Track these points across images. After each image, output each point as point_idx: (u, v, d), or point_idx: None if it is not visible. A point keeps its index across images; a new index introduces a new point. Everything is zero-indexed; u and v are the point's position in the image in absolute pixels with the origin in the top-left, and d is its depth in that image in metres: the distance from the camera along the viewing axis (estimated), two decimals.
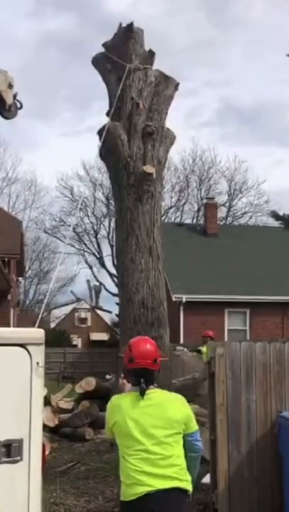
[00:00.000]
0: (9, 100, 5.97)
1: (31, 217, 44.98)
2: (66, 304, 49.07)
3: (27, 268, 42.40)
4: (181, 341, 21.55)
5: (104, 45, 11.94)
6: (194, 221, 42.51)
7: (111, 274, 42.18)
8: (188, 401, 9.05)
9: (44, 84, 68.29)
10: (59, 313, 47.91)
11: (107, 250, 43.09)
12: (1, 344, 3.09)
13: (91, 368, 25.17)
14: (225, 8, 65.35)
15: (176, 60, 59.68)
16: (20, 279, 31.19)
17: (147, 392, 3.36)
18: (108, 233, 43.40)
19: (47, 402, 9.92)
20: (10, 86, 5.99)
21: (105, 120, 11.31)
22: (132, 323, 11.07)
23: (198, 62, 68.47)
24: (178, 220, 42.89)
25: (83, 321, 47.45)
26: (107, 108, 11.84)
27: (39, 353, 3.22)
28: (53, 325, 46.26)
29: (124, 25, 11.74)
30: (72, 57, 71.29)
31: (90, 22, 66.76)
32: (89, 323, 47.46)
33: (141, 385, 3.35)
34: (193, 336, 20.21)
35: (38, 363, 3.17)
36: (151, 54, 11.80)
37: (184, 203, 44.92)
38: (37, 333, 3.28)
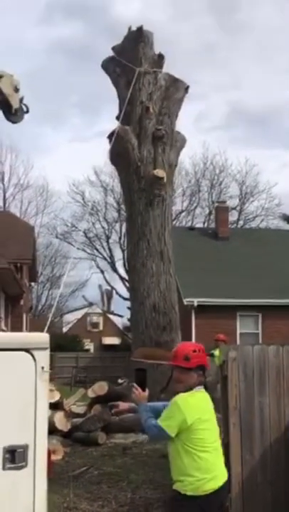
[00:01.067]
0: (15, 104, 5.89)
1: (43, 222, 45.12)
2: (78, 309, 49.14)
3: (39, 273, 42.49)
4: None
5: (113, 49, 11.86)
6: (205, 225, 42.40)
7: (123, 279, 42.16)
8: None
9: (54, 90, 68.71)
10: (71, 317, 48.01)
11: (118, 255, 43.09)
12: (5, 349, 3.05)
13: (103, 372, 25.15)
14: (233, 12, 65.57)
15: (185, 64, 59.79)
16: (33, 284, 31.31)
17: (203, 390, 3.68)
18: (120, 238, 43.39)
19: (60, 406, 9.93)
20: (16, 90, 5.89)
21: (115, 124, 11.29)
22: (144, 327, 11.04)
23: (206, 66, 68.54)
24: (189, 224, 42.82)
25: (95, 325, 47.52)
26: (117, 113, 11.81)
27: (44, 358, 3.17)
28: (65, 330, 46.36)
29: (133, 28, 11.65)
30: (81, 64, 71.69)
31: (99, 28, 67.11)
32: (101, 327, 47.52)
33: (204, 383, 3.71)
34: (205, 339, 20.12)
35: (42, 368, 3.12)
36: (160, 57, 11.73)
37: (195, 207, 44.88)
38: (42, 337, 3.24)
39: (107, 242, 43.80)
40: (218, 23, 65.06)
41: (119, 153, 11.42)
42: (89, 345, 42.93)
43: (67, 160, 68.47)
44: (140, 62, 11.48)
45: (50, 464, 3.28)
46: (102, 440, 9.50)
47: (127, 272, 41.71)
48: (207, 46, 64.90)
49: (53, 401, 9.82)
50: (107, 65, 12.11)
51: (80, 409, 10.86)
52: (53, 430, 9.49)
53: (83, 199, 43.60)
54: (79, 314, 48.58)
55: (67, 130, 70.14)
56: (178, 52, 55.71)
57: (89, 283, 51.98)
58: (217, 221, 29.96)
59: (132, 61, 11.44)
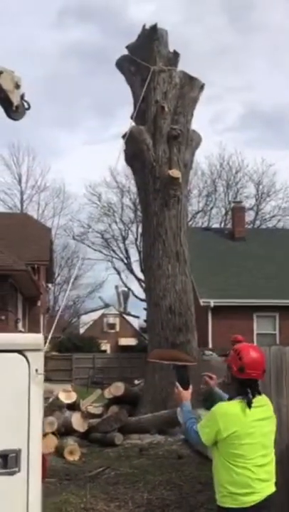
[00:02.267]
0: (16, 101, 5.78)
1: (60, 224, 45.32)
2: (95, 310, 49.23)
3: (56, 275, 42.65)
4: (210, 346, 21.44)
5: (128, 47, 11.79)
6: (222, 225, 42.27)
7: (139, 280, 42.17)
8: None
9: (69, 94, 68.93)
10: (88, 319, 48.13)
11: (134, 256, 43.10)
12: None
13: (120, 373, 25.16)
14: (247, 13, 65.25)
15: (199, 65, 59.59)
16: (50, 285, 31.49)
17: (255, 401, 3.34)
18: (136, 239, 43.44)
19: (76, 407, 9.96)
20: (17, 86, 5.76)
21: (130, 124, 11.23)
22: (160, 329, 11.02)
23: (221, 68, 68.28)
24: (205, 224, 42.73)
25: (112, 326, 47.56)
26: (132, 112, 11.74)
27: (38, 360, 3.05)
28: (82, 331, 46.48)
29: (147, 27, 11.53)
30: (95, 67, 71.81)
31: (113, 31, 67.20)
32: (117, 328, 47.55)
33: (248, 395, 3.32)
34: (221, 340, 20.07)
35: (36, 370, 3.01)
36: (175, 55, 11.61)
37: (212, 208, 44.76)
38: (35, 338, 3.14)
39: (124, 243, 43.86)
40: (232, 24, 64.89)
41: (134, 153, 11.34)
42: (105, 346, 42.97)
43: (83, 162, 68.73)
44: (155, 61, 11.36)
45: (45, 469, 3.15)
46: (119, 441, 9.51)
47: (143, 272, 41.67)
48: (221, 47, 64.76)
49: (70, 402, 9.88)
50: (122, 64, 12.01)
51: (96, 410, 10.88)
52: (70, 431, 9.55)
53: (99, 200, 43.72)
54: (95, 315, 48.68)
55: (83, 132, 70.37)
56: (192, 54, 55.62)
57: (105, 284, 52.12)
58: (233, 221, 29.85)
59: (147, 59, 11.34)
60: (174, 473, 7.62)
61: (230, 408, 3.34)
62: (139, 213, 42.78)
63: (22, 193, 45.45)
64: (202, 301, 22.44)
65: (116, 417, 9.97)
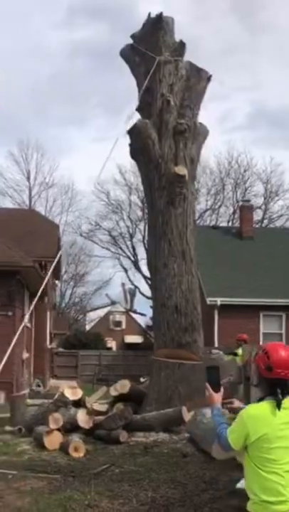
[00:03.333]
0: None
1: (68, 221, 45.42)
2: (101, 307, 49.31)
3: (63, 271, 42.70)
4: (216, 344, 21.41)
5: (132, 36, 11.43)
6: (230, 224, 42.22)
7: (146, 278, 42.17)
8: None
9: (77, 92, 69.03)
10: (94, 316, 48.20)
11: (142, 254, 43.15)
12: None
13: (126, 371, 25.20)
14: (255, 12, 65.08)
15: (207, 64, 59.43)
16: (57, 282, 31.52)
17: (285, 402, 3.19)
18: (143, 237, 43.41)
19: (82, 404, 9.97)
20: None
21: (135, 118, 10.96)
22: (166, 329, 10.96)
23: (229, 67, 68.18)
24: (213, 223, 42.69)
25: (118, 323, 47.59)
26: (137, 105, 11.43)
27: None
28: (88, 327, 46.56)
29: (153, 15, 11.17)
30: (103, 65, 71.87)
31: (121, 30, 67.19)
32: (123, 326, 47.58)
33: (278, 396, 3.17)
34: (227, 339, 20.04)
35: None
36: (181, 45, 11.23)
37: (220, 206, 44.73)
38: None
39: (131, 240, 43.93)
40: (241, 23, 64.73)
41: (140, 148, 11.09)
42: (111, 344, 43.03)
43: (91, 159, 68.76)
44: (160, 51, 10.89)
45: None
46: (124, 438, 9.51)
47: (149, 271, 41.57)
48: (229, 47, 64.64)
49: (75, 399, 9.90)
50: (127, 54, 11.62)
51: (102, 407, 10.88)
52: (75, 428, 9.57)
53: (108, 198, 43.76)
54: (102, 312, 48.74)
55: (91, 130, 70.47)
56: (200, 53, 55.58)
57: (112, 281, 52.16)
58: (241, 220, 29.77)
59: (152, 49, 10.92)
60: (179, 471, 7.62)
61: (258, 410, 3.22)
62: (146, 211, 42.75)
63: (30, 190, 45.61)
64: (209, 300, 22.42)
65: (121, 415, 9.96)
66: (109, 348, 40.80)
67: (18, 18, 68.99)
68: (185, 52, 11.15)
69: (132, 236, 43.85)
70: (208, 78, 11.22)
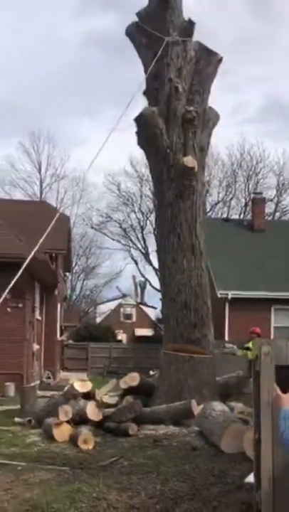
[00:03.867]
0: None
1: (79, 212, 45.45)
2: (112, 300, 49.40)
3: (74, 263, 42.79)
4: (226, 338, 21.37)
5: (138, 14, 10.62)
6: (241, 216, 42.06)
7: (156, 270, 42.04)
8: (233, 399, 8.91)
9: (90, 82, 68.90)
10: (105, 308, 48.29)
11: (152, 246, 43.07)
12: None
13: (136, 364, 25.25)
14: (269, 2, 64.39)
15: (226, 54, 58.92)
16: (68, 274, 31.64)
17: None
18: (154, 229, 43.28)
19: (92, 396, 9.96)
20: None
21: (142, 103, 10.47)
22: (175, 324, 10.85)
23: (242, 58, 67.71)
24: (225, 215, 42.56)
25: (128, 316, 47.70)
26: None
27: None
28: (98, 320, 46.67)
29: None
30: (117, 55, 71.58)
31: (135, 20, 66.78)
32: (134, 318, 47.68)
33: None
34: (238, 333, 20.00)
35: None
36: (190, 24, 10.42)
37: (231, 198, 44.58)
38: None
39: (142, 233, 43.91)
40: (255, 13, 64.15)
41: (147, 138, 10.73)
42: (121, 336, 43.15)
43: (103, 151, 68.56)
44: (168, 32, 10.18)
45: None
46: (133, 431, 9.49)
47: (158, 266, 41.49)
48: (243, 37, 64.14)
49: (85, 391, 9.89)
50: (132, 33, 10.75)
51: (111, 399, 10.87)
52: (85, 420, 9.56)
53: (118, 190, 43.72)
54: (112, 305, 48.82)
55: (103, 121, 70.37)
56: (214, 43, 55.10)
57: (123, 274, 52.30)
58: (253, 213, 29.67)
59: (159, 30, 10.26)
60: (188, 464, 7.58)
61: None
62: (156, 203, 42.60)
63: (41, 181, 45.65)
64: (219, 293, 22.37)
65: (130, 407, 9.95)
66: (120, 341, 40.93)
67: (31, 9, 68.98)
68: (194, 31, 10.33)
69: (142, 228, 43.85)
70: (219, 60, 10.45)
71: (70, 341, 34.69)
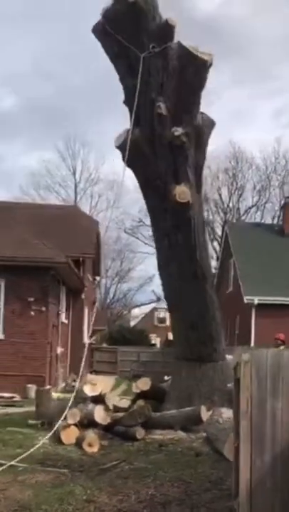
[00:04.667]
0: None
1: (112, 217, 45.73)
2: (146, 304, 49.52)
3: (108, 267, 43.10)
4: (252, 344, 21.21)
5: (104, 15, 8.18)
6: (275, 221, 41.66)
7: None
8: None
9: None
10: (138, 312, 48.48)
11: None
12: None
13: (163, 367, 25.20)
14: None
15: (265, 57, 58.64)
16: (97, 278, 31.87)
17: None
18: None
19: (101, 399, 10.09)
20: None
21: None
22: (184, 341, 10.98)
23: (286, 60, 66.98)
24: (259, 219, 42.33)
25: (162, 320, 47.71)
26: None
27: None
28: (132, 323, 46.86)
29: None
30: None
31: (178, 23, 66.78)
32: (167, 322, 47.61)
33: None
34: (264, 339, 19.81)
35: None
36: (169, 27, 8.29)
37: (266, 202, 44.24)
38: None
39: None
40: None
41: (134, 166, 9.27)
42: (155, 340, 43.19)
43: None
44: (142, 44, 8.13)
45: None
46: (141, 435, 9.58)
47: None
48: (286, 39, 63.47)
49: (94, 394, 10.02)
50: (100, 35, 8.50)
51: (124, 403, 10.99)
52: (93, 423, 9.69)
53: None
54: (146, 309, 48.94)
55: None
56: (257, 47, 54.79)
57: (156, 278, 52.29)
58: (284, 217, 29.37)
59: (130, 37, 8.13)
60: (187, 470, 7.62)
61: None
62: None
63: (76, 186, 46.16)
64: (246, 299, 22.24)
65: (140, 412, 10.04)
66: (153, 345, 40.96)
67: (70, 17, 69.87)
68: (174, 35, 8.29)
69: None
70: (208, 65, 8.29)
71: (104, 344, 34.96)
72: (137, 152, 8.62)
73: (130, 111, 8.43)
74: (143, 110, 8.15)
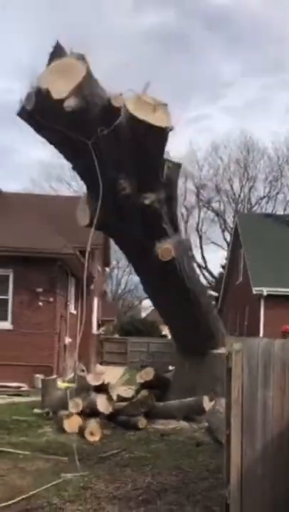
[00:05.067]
0: None
1: None
2: None
3: (120, 258, 43.15)
4: (261, 335, 21.19)
5: (22, 107, 6.37)
6: (287, 212, 41.54)
7: (200, 267, 42.12)
8: None
9: (144, 78, 68.92)
10: (149, 303, 48.55)
11: (195, 241, 43.07)
12: None
13: (171, 358, 25.27)
14: None
15: (280, 47, 58.07)
16: (107, 269, 31.98)
17: None
18: (197, 224, 43.43)
19: (104, 389, 10.18)
20: None
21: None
22: (183, 340, 11.17)
23: None
24: (270, 210, 42.21)
25: None
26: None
27: None
28: (143, 314, 46.97)
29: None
30: (172, 50, 71.45)
31: (191, 15, 66.60)
32: None
33: None
34: (273, 330, 19.77)
35: None
36: (115, 109, 6.64)
37: (277, 193, 44.07)
38: None
39: (185, 227, 43.83)
40: None
41: (108, 235, 10.01)
42: (166, 331, 43.30)
43: None
44: (86, 130, 6.58)
45: None
46: (143, 425, 9.66)
47: (203, 259, 41.48)
48: None
49: (97, 384, 10.11)
50: (32, 125, 6.72)
51: (128, 393, 11.08)
52: (96, 413, 9.79)
53: None
54: None
55: None
56: (271, 39, 54.22)
57: None
58: None
59: (72, 128, 6.50)
60: (186, 459, 7.70)
61: None
62: (201, 197, 42.59)
63: None
64: (255, 290, 22.21)
65: (143, 401, 10.13)
66: (164, 336, 41.06)
67: (89, 6, 69.85)
68: (121, 112, 6.66)
69: (186, 223, 43.79)
70: (168, 131, 7.00)
71: (116, 335, 35.13)
72: (107, 228, 8.41)
73: (87, 187, 7.77)
74: (104, 188, 6.84)
